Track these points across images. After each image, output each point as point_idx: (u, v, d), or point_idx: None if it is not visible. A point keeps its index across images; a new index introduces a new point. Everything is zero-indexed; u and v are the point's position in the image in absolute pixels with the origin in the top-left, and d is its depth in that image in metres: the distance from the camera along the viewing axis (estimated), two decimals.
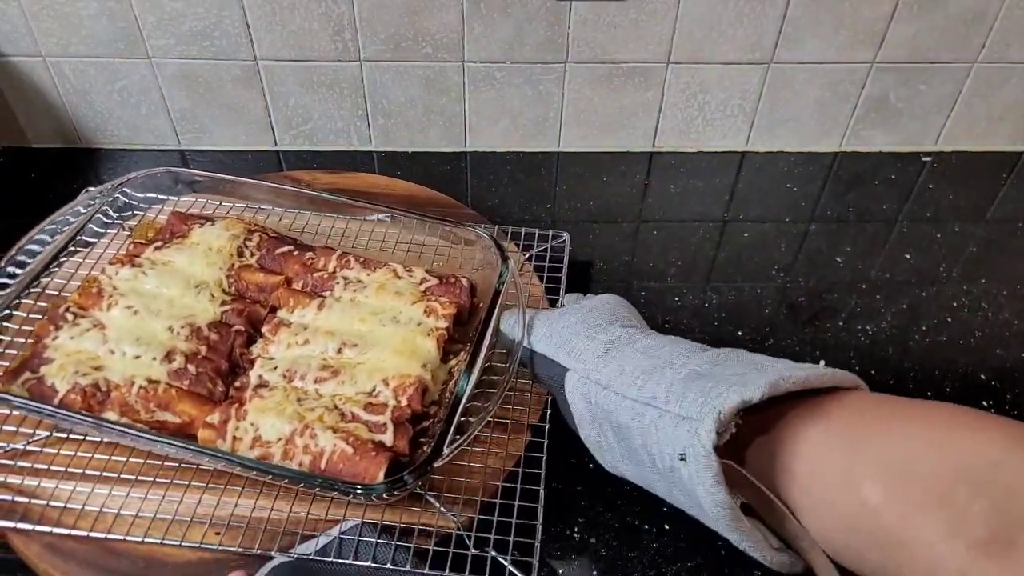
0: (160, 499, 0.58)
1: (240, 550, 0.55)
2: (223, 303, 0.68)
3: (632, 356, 0.55)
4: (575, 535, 0.60)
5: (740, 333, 0.76)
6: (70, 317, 0.65)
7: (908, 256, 0.87)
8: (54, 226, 0.70)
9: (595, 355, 0.56)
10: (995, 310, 0.80)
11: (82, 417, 0.58)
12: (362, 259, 0.73)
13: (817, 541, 0.46)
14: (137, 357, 0.62)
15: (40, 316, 0.67)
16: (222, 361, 0.65)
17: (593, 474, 0.61)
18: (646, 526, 0.60)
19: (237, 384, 0.64)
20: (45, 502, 0.58)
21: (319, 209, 0.78)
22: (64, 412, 0.58)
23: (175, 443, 0.57)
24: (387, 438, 0.58)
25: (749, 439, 0.50)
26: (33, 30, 0.87)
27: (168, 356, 0.62)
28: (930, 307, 0.81)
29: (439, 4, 0.86)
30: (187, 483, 0.59)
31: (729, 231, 0.89)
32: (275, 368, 0.63)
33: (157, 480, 0.59)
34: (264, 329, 0.67)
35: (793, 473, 0.47)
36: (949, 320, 0.80)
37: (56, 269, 0.70)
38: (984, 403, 0.71)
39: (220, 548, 0.56)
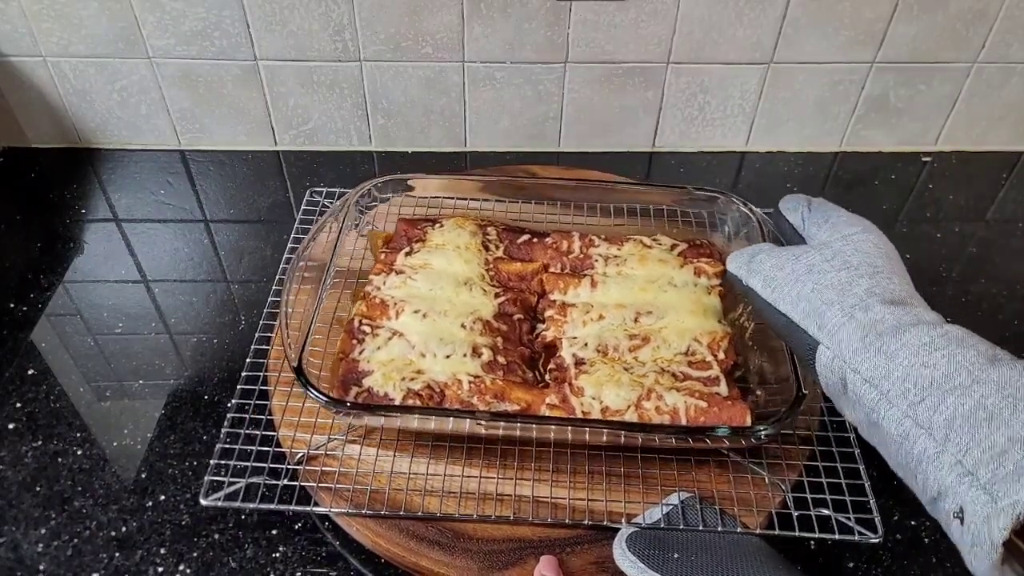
0: (477, 478, 0.62)
1: (589, 523, 0.58)
2: (496, 295, 0.71)
3: (902, 354, 0.47)
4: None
5: None
6: (367, 329, 0.67)
7: (908, 256, 0.86)
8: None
9: (853, 337, 0.49)
10: (995, 310, 0.80)
11: (465, 413, 0.60)
12: (603, 236, 0.76)
13: None
14: (448, 356, 0.64)
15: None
16: (523, 348, 0.67)
17: None
18: None
19: (552, 366, 0.66)
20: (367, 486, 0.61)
21: (534, 197, 0.81)
22: (455, 411, 0.60)
23: (564, 422, 0.59)
24: (722, 389, 0.62)
25: None
26: (33, 30, 0.87)
27: (474, 351, 0.64)
28: (930, 307, 0.80)
29: (439, 4, 0.86)
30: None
31: None
32: (585, 345, 0.66)
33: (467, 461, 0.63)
34: (548, 313, 0.70)
35: None
36: (949, 320, 0.79)
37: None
38: None
39: (572, 523, 0.58)
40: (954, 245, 0.89)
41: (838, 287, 0.52)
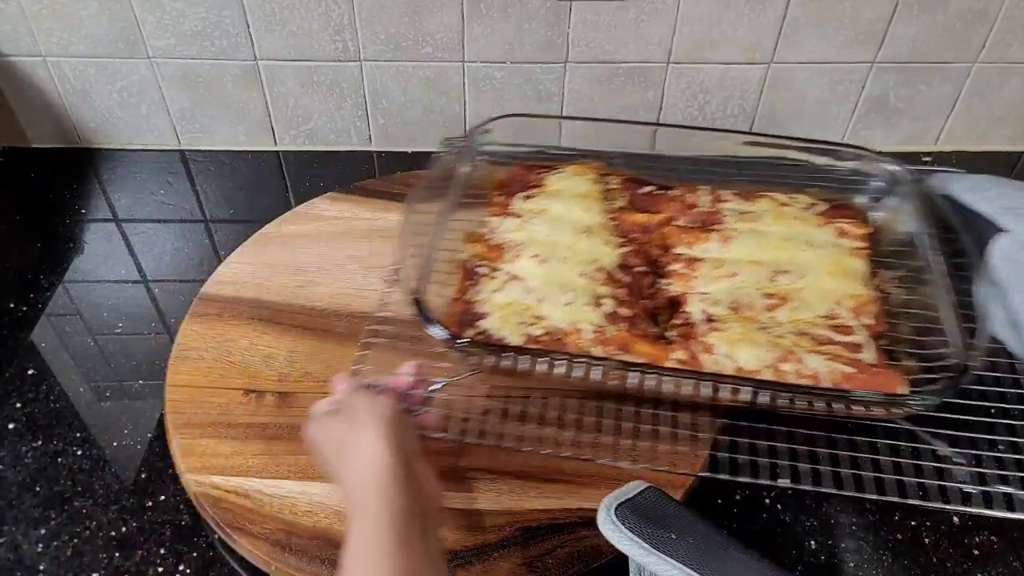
0: None
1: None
2: (619, 246, 0.68)
3: None
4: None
5: None
6: (484, 271, 0.65)
7: None
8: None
9: None
10: None
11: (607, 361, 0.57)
12: (735, 191, 0.72)
13: None
14: (568, 304, 0.61)
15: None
16: (647, 302, 0.64)
17: None
18: None
19: (677, 322, 0.63)
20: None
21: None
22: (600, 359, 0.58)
23: (708, 377, 0.57)
24: (868, 356, 0.59)
25: None
26: (33, 30, 0.87)
27: (596, 301, 0.62)
28: None
29: (439, 4, 0.86)
30: None
31: None
32: (716, 302, 0.63)
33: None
34: (673, 267, 0.67)
35: None
36: None
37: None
38: None
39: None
40: None
41: None
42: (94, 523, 0.61)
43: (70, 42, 0.89)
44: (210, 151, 0.99)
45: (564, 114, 0.96)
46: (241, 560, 0.58)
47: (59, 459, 0.65)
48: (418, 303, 0.57)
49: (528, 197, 0.72)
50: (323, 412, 0.55)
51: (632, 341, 0.60)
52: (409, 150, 1.00)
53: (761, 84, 0.94)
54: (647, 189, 0.73)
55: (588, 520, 0.57)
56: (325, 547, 0.57)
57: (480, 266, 0.66)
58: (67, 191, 0.93)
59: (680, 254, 0.68)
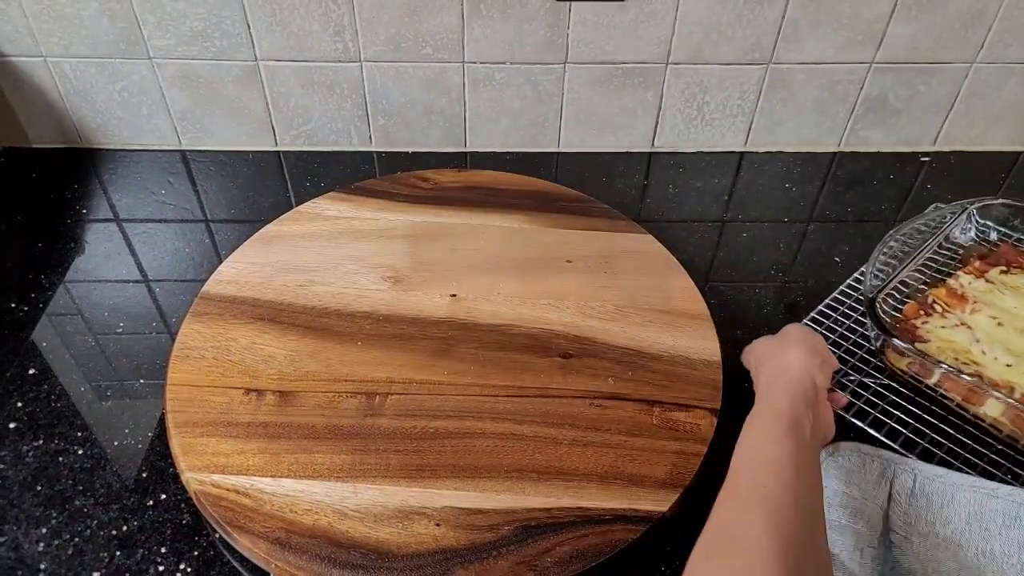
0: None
1: None
2: None
3: None
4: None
5: (739, 333, 0.76)
6: (939, 309, 0.73)
7: None
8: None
9: None
10: None
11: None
12: None
13: None
14: (1009, 366, 0.66)
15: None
16: None
17: None
18: None
19: None
20: None
21: None
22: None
23: None
24: None
25: None
26: (34, 30, 0.88)
27: None
28: None
29: (439, 4, 0.86)
30: None
31: (728, 231, 0.90)
32: None
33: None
34: None
35: None
36: None
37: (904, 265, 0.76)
38: None
39: None
40: None
41: None
42: (95, 522, 0.61)
43: (71, 42, 0.89)
44: (211, 151, 0.99)
45: (561, 116, 0.96)
46: (241, 559, 0.58)
47: (60, 458, 0.65)
48: (873, 307, 0.68)
49: (1005, 272, 0.77)
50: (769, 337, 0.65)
51: None
52: (409, 150, 1.00)
53: (760, 84, 0.94)
54: None
55: (588, 518, 0.58)
56: (325, 545, 0.56)
57: (936, 303, 0.73)
58: (68, 191, 0.93)
59: None
